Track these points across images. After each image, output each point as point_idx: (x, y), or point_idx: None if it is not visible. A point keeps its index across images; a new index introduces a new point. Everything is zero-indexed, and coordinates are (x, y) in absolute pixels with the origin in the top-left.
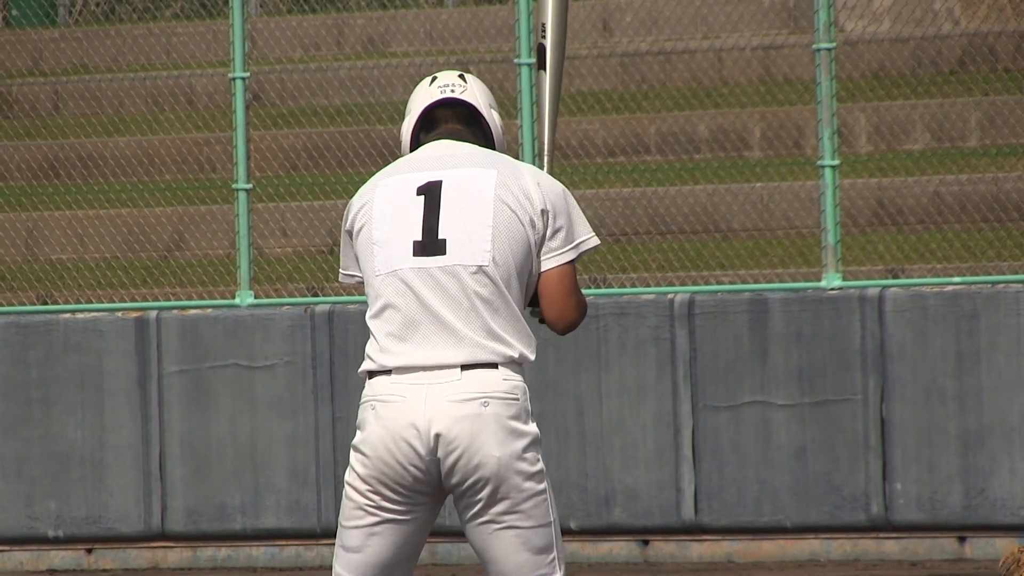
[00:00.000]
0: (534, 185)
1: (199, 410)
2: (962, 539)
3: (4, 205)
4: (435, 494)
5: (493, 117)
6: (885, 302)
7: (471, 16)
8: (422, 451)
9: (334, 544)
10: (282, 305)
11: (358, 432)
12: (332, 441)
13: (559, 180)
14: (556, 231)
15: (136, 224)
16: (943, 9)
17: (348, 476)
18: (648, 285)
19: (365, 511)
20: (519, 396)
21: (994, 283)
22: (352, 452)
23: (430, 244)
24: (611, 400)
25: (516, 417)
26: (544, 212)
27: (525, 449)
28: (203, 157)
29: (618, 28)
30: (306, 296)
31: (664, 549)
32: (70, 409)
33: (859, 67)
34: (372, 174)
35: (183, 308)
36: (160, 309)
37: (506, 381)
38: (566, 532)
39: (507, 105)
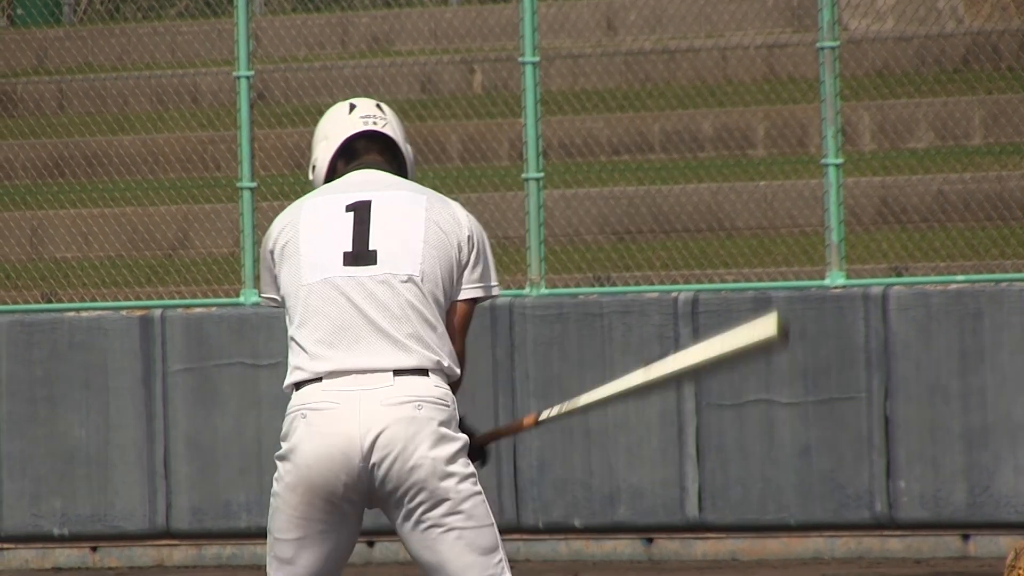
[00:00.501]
0: (463, 214)
1: (204, 408)
2: (966, 537)
3: (9, 203)
4: (361, 504)
5: (408, 151)
6: (889, 300)
7: (475, 14)
8: (355, 459)
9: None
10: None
11: (284, 443)
12: None
13: (562, 179)
14: (476, 263)
15: (141, 222)
16: (947, 7)
17: (276, 486)
18: (652, 283)
19: (295, 523)
20: (449, 403)
21: (998, 281)
22: (280, 462)
23: (360, 254)
24: None
25: (447, 423)
26: (470, 239)
27: (457, 452)
28: (207, 155)
29: (622, 26)
30: None
31: (668, 547)
32: (75, 407)
33: (863, 65)
34: None
35: (188, 306)
36: (165, 307)
37: (438, 388)
38: (570, 530)
39: (511, 103)
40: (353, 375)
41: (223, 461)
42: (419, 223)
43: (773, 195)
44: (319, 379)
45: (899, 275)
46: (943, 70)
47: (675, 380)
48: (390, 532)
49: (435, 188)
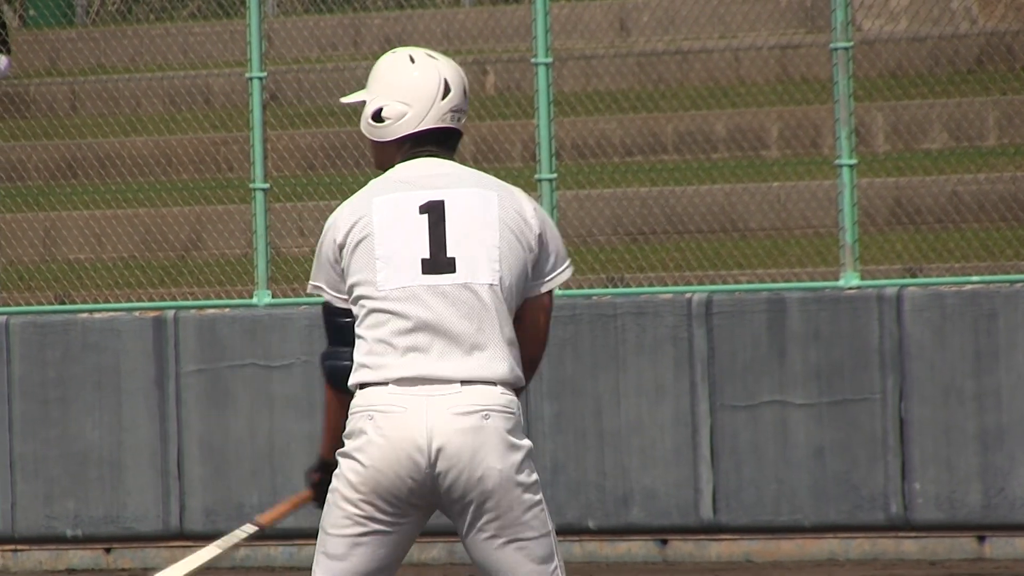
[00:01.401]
0: (530, 209)
1: (217, 409)
2: (981, 539)
3: (22, 205)
4: (426, 507)
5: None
6: (903, 301)
7: (488, 16)
8: (422, 464)
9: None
10: (299, 305)
11: (350, 440)
12: None
13: (575, 180)
14: (547, 257)
15: (153, 224)
16: (961, 8)
17: (338, 483)
18: (666, 284)
19: (353, 520)
20: (515, 411)
21: (1012, 282)
22: (344, 459)
23: (439, 262)
24: (629, 400)
25: (514, 431)
26: (540, 237)
27: (523, 461)
28: (220, 157)
29: (635, 28)
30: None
31: (682, 548)
32: (88, 409)
33: (876, 66)
34: None
35: (201, 308)
36: (178, 309)
37: (504, 395)
38: (585, 532)
39: (524, 104)
40: (420, 384)
41: (236, 462)
42: (493, 227)
43: (787, 196)
44: (385, 383)
45: (913, 276)
46: (957, 71)
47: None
48: None
49: None
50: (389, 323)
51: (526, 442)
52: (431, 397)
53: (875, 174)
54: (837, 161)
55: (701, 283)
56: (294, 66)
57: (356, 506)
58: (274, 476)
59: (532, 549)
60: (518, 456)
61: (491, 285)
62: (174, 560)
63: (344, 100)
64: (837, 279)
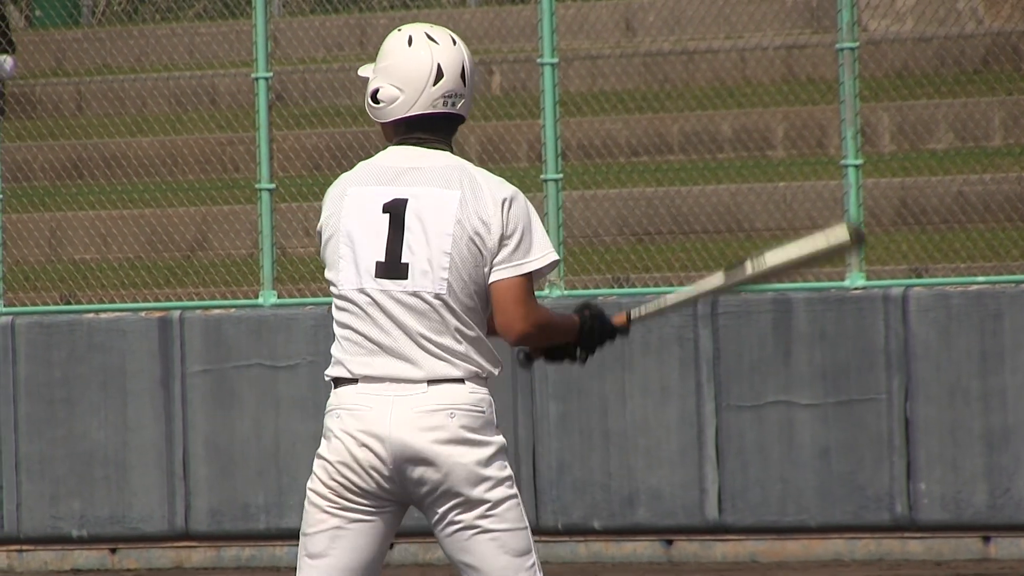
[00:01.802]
0: (494, 206)
1: (222, 410)
2: (987, 539)
3: (28, 205)
4: (399, 502)
5: (468, 105)
6: (909, 302)
7: (494, 16)
8: (387, 460)
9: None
10: (305, 305)
11: (323, 441)
12: None
13: (581, 181)
14: (513, 248)
15: (159, 224)
16: (967, 8)
17: (311, 483)
18: (671, 285)
19: (329, 513)
20: (484, 409)
21: (1018, 282)
22: (316, 460)
23: (392, 267)
24: (635, 400)
25: (482, 429)
26: (502, 237)
27: (492, 456)
28: (226, 157)
29: (641, 28)
30: (329, 296)
31: (688, 549)
32: (94, 409)
33: (882, 66)
34: None
35: (206, 308)
36: (183, 309)
37: (472, 394)
38: (590, 532)
39: (530, 104)
40: (387, 382)
41: (241, 463)
42: (447, 233)
43: (792, 196)
44: (355, 381)
45: (919, 276)
46: (963, 71)
47: (752, 282)
48: (408, 534)
49: None
50: (354, 322)
51: (496, 438)
52: (397, 396)
53: (881, 174)
54: (843, 161)
55: None
56: (300, 66)
57: (330, 500)
58: (280, 476)
59: (506, 541)
60: (486, 451)
61: (438, 294)
62: (179, 561)
63: (359, 72)
64: (843, 279)
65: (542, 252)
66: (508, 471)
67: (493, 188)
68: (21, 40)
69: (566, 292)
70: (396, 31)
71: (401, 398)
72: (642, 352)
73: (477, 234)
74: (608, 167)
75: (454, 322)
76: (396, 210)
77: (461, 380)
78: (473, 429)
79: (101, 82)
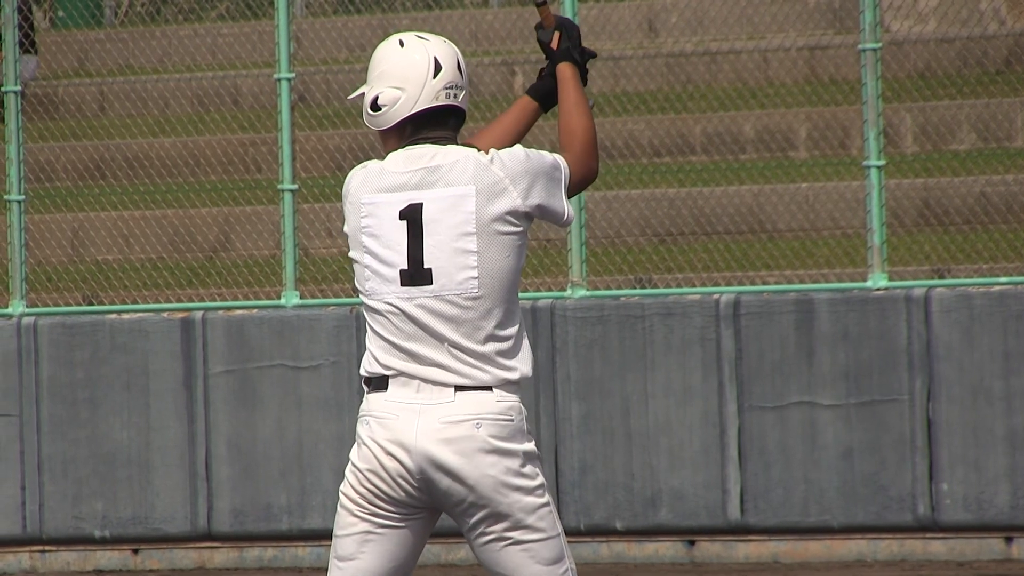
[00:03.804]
0: (512, 188)
1: (245, 410)
2: (1009, 540)
3: (50, 206)
4: (429, 510)
5: (465, 101)
6: (931, 302)
7: (516, 17)
8: (412, 470)
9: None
10: (328, 305)
11: (355, 446)
12: None
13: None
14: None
15: (182, 225)
16: (989, 9)
17: (343, 487)
18: (694, 285)
19: (359, 517)
20: (513, 416)
21: None
22: (349, 464)
23: (416, 273)
24: (657, 400)
25: (510, 437)
26: (527, 214)
27: (522, 465)
28: (249, 158)
29: (663, 28)
30: (351, 297)
31: (710, 549)
32: (116, 410)
33: (905, 67)
34: None
35: (229, 308)
36: (206, 309)
37: (500, 402)
38: (612, 533)
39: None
40: (418, 382)
41: (264, 463)
42: (470, 231)
43: (815, 197)
44: (386, 383)
45: (941, 277)
46: (985, 72)
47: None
48: (430, 535)
49: None
50: (383, 331)
51: (525, 446)
52: (425, 405)
53: (903, 175)
54: (865, 162)
55: (729, 284)
56: (322, 67)
57: (359, 505)
58: (303, 477)
59: (537, 551)
60: (515, 461)
61: (468, 294)
62: (202, 562)
63: (348, 97)
64: (865, 280)
65: (558, 171)
66: (539, 479)
67: (500, 162)
68: (44, 41)
69: (588, 293)
70: (384, 42)
71: (428, 407)
72: (664, 353)
73: (502, 219)
74: (630, 167)
75: (487, 323)
76: (413, 215)
77: (489, 388)
78: (501, 438)
79: (123, 83)
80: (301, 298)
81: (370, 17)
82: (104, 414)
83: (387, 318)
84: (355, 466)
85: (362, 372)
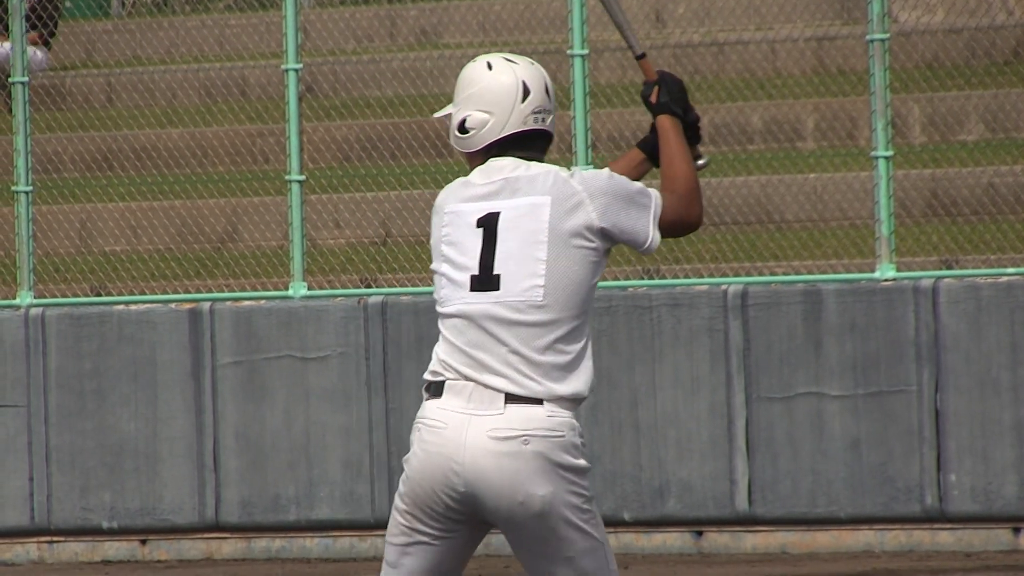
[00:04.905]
0: (588, 203)
1: (253, 402)
2: (1017, 530)
3: (58, 196)
4: (473, 523)
5: (552, 123)
6: (939, 293)
7: (524, 7)
8: (457, 483)
9: (387, 535)
10: (335, 296)
11: (409, 453)
12: (385, 432)
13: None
14: (629, 227)
15: (189, 216)
16: None
17: (397, 491)
18: (701, 276)
19: (401, 530)
20: (564, 432)
21: None
22: (403, 473)
23: (485, 279)
24: (665, 391)
25: (558, 454)
26: (603, 231)
27: (570, 483)
28: (256, 149)
29: (671, 19)
30: (359, 288)
31: (718, 540)
32: (124, 400)
33: (913, 58)
34: (425, 166)
35: (236, 299)
36: (213, 300)
37: (550, 418)
38: (620, 524)
39: (560, 96)
40: (471, 388)
41: (272, 454)
42: (541, 238)
43: (823, 188)
44: (441, 389)
45: (949, 268)
46: (993, 62)
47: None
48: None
49: None
50: (451, 332)
51: (576, 462)
52: (474, 416)
53: (911, 166)
54: (873, 153)
55: (737, 275)
56: (330, 58)
57: (403, 516)
58: (310, 468)
59: (582, 566)
60: (563, 480)
61: (532, 301)
62: (209, 553)
63: (434, 115)
64: (873, 271)
65: (648, 232)
66: (585, 492)
67: (581, 179)
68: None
69: (599, 284)
70: (471, 62)
71: (478, 418)
72: (672, 344)
73: (577, 232)
74: None
75: (549, 334)
76: (489, 223)
77: (540, 401)
78: (547, 456)
79: (131, 74)
80: (309, 289)
81: (377, 8)
82: (112, 405)
83: (454, 323)
84: (406, 473)
85: (424, 377)
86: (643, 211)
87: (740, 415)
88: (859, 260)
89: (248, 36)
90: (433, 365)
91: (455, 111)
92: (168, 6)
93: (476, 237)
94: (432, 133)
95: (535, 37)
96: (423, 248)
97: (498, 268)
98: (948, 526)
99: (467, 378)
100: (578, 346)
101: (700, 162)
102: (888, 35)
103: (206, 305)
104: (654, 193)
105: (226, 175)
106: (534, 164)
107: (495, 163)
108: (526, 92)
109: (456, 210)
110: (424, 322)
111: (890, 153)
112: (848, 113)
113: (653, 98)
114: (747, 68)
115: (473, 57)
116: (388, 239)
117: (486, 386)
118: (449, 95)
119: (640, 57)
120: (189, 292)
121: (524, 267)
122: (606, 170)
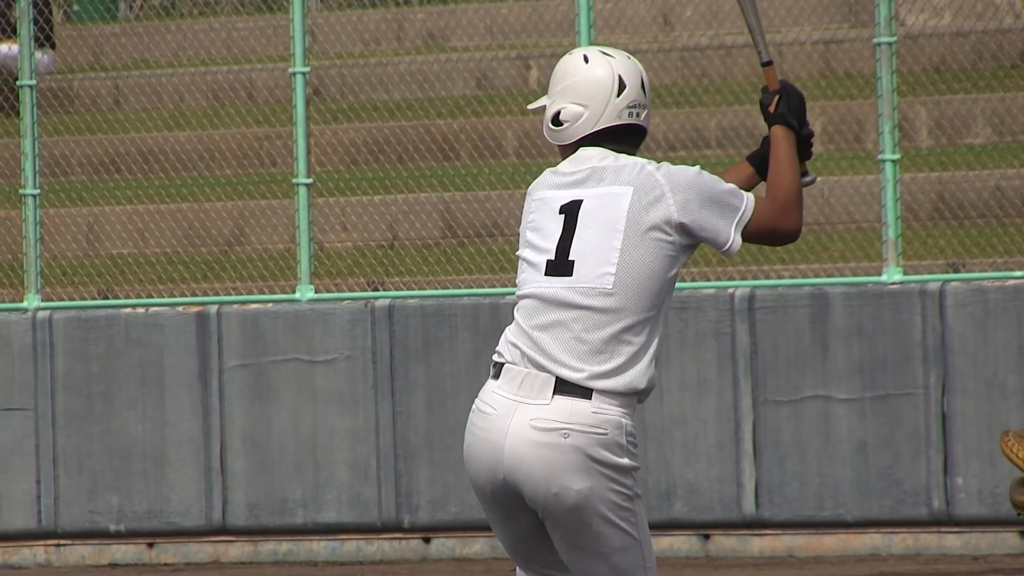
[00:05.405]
0: (669, 197)
1: (260, 404)
2: None
3: (65, 199)
4: (525, 508)
5: (647, 117)
6: (946, 296)
7: (531, 10)
8: (498, 472)
9: (393, 538)
10: (342, 299)
11: None
12: (392, 435)
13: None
14: (710, 224)
15: (197, 219)
16: (1004, 2)
17: None
18: (709, 279)
19: (482, 498)
20: (607, 430)
21: None
22: None
23: (560, 265)
24: (672, 394)
25: (599, 451)
26: (682, 225)
27: (610, 479)
28: (263, 152)
29: (678, 22)
30: (366, 290)
31: (725, 543)
32: (131, 404)
33: (920, 61)
34: (432, 169)
35: (244, 302)
36: (221, 303)
37: (595, 414)
38: None
39: None
40: (525, 373)
41: (279, 457)
42: (618, 226)
43: (830, 191)
44: (500, 372)
45: (956, 271)
46: (1000, 65)
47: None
48: (445, 528)
49: (491, 185)
50: (522, 314)
51: (618, 460)
52: (520, 404)
53: (918, 169)
54: (880, 156)
55: (744, 278)
56: (337, 61)
57: (478, 487)
58: (317, 471)
59: (616, 562)
60: (601, 476)
61: (601, 289)
62: (217, 556)
63: (529, 107)
64: (880, 274)
65: (742, 205)
66: (626, 491)
67: (666, 174)
68: (59, 35)
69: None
70: (567, 55)
71: (524, 406)
72: (679, 347)
73: (655, 225)
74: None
75: (614, 323)
76: (571, 210)
77: (589, 396)
78: (586, 451)
79: (138, 77)
80: (316, 292)
81: (385, 11)
82: (119, 408)
83: (525, 304)
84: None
85: (496, 356)
86: (728, 211)
87: (747, 418)
88: (866, 263)
89: (255, 39)
90: (500, 345)
91: (549, 103)
92: (175, 9)
93: (557, 223)
94: (439, 136)
95: (542, 40)
96: (430, 251)
97: (573, 254)
98: (955, 529)
99: (527, 361)
100: (643, 339)
101: (806, 178)
102: (895, 38)
103: (213, 308)
104: (748, 196)
105: (233, 178)
106: (623, 155)
107: (584, 152)
108: (622, 86)
109: (543, 197)
110: (431, 325)
111: (897, 156)
112: (855, 116)
113: (772, 107)
114: (754, 71)
115: (479, 61)
116: (395, 242)
117: (540, 369)
118: (456, 98)
119: (767, 64)
120: (196, 295)
121: (598, 255)
122: (696, 167)
